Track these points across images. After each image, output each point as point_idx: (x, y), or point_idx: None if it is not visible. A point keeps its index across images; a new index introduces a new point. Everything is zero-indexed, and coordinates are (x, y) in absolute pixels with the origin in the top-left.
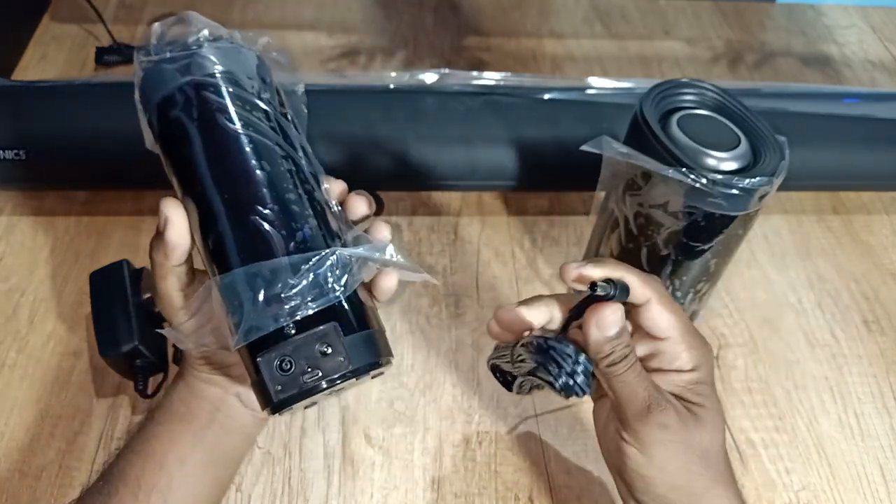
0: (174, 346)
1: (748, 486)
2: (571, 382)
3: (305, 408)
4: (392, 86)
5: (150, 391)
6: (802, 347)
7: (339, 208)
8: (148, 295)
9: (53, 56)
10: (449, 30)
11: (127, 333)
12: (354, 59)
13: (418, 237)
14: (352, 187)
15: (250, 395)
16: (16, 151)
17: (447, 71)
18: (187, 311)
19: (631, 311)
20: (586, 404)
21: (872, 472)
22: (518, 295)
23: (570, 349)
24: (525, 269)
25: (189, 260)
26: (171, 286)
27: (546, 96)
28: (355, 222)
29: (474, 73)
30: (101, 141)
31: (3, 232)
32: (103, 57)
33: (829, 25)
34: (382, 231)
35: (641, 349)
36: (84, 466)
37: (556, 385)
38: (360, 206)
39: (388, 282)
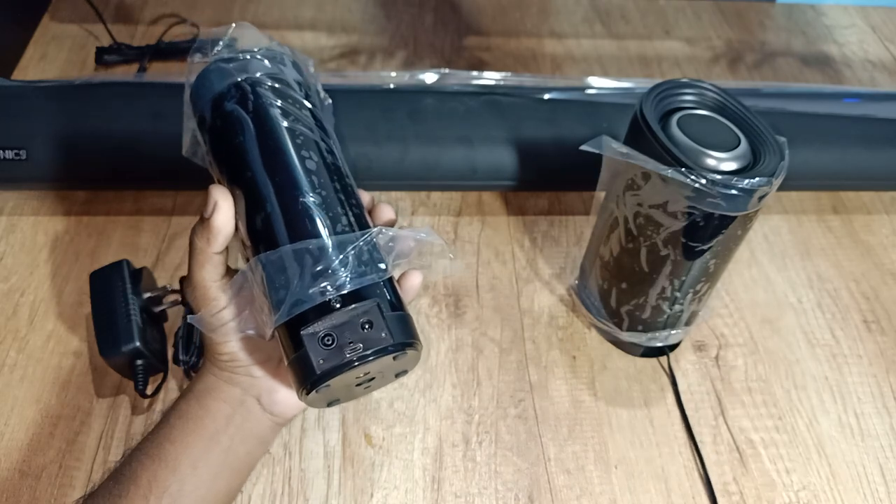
0: (174, 346)
1: (748, 486)
2: None
3: (329, 404)
4: (392, 86)
5: (149, 391)
6: (802, 347)
7: (369, 217)
8: (148, 295)
9: (53, 56)
10: (449, 30)
11: (127, 334)
12: (354, 59)
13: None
14: None
15: (271, 398)
16: (16, 151)
17: (447, 71)
18: (224, 296)
19: None
20: (588, 406)
21: (872, 472)
22: (518, 295)
23: None
24: (525, 269)
25: (226, 252)
26: (208, 275)
27: (546, 96)
28: None
29: (474, 73)
30: (101, 141)
31: (3, 232)
32: (103, 57)
33: (829, 25)
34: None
35: None
36: (84, 466)
37: None
38: (387, 212)
39: (414, 280)
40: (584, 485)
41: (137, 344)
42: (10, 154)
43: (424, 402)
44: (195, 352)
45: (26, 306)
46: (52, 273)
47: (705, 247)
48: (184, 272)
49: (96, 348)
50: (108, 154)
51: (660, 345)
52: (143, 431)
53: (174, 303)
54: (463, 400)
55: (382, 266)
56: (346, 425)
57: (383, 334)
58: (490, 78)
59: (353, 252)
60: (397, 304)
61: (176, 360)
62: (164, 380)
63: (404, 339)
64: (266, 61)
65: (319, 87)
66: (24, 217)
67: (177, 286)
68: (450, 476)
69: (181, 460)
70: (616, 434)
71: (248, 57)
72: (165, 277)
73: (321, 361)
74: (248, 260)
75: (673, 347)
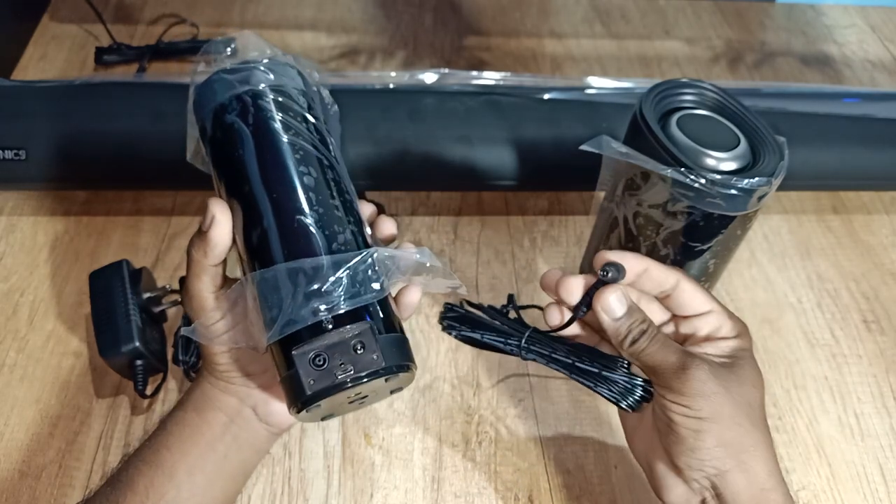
0: (174, 347)
1: None
2: (628, 402)
3: (323, 419)
4: (392, 86)
5: (149, 391)
6: (802, 347)
7: (370, 230)
8: (148, 295)
9: (53, 56)
10: (449, 30)
11: (127, 334)
12: (354, 59)
13: (418, 237)
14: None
15: (266, 408)
16: (16, 151)
17: (447, 71)
18: (220, 307)
19: (668, 300)
20: (588, 406)
21: (872, 472)
22: (518, 295)
23: (621, 376)
24: (525, 269)
25: (224, 263)
26: (205, 286)
27: (546, 96)
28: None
29: (474, 73)
30: (101, 141)
31: (3, 232)
32: (103, 57)
33: (829, 25)
34: (409, 249)
35: (684, 329)
36: (84, 466)
37: (621, 405)
38: (388, 226)
39: (412, 296)
40: (584, 485)
41: (137, 344)
42: (10, 154)
43: (424, 402)
44: (195, 352)
45: (26, 306)
46: (52, 273)
47: (705, 247)
48: (184, 272)
49: (96, 348)
50: (108, 154)
51: None
52: (143, 432)
53: (174, 303)
54: (463, 400)
55: (377, 286)
56: (346, 425)
57: (375, 356)
58: (490, 78)
59: (347, 272)
60: (392, 325)
61: (176, 361)
62: (163, 380)
63: (396, 361)
64: (269, 73)
65: (325, 94)
66: (24, 217)
67: (176, 286)
68: (450, 476)
69: (178, 467)
70: (616, 434)
71: (251, 68)
72: (165, 277)
73: (311, 382)
74: (244, 273)
75: None
